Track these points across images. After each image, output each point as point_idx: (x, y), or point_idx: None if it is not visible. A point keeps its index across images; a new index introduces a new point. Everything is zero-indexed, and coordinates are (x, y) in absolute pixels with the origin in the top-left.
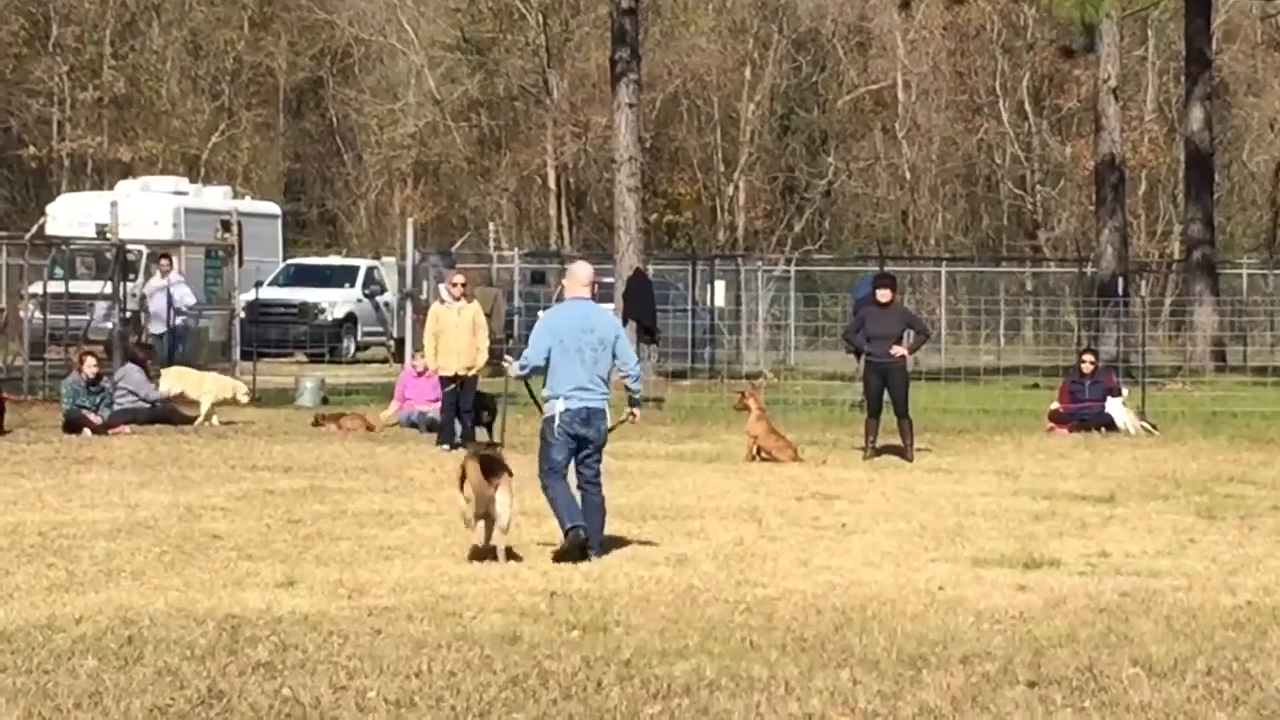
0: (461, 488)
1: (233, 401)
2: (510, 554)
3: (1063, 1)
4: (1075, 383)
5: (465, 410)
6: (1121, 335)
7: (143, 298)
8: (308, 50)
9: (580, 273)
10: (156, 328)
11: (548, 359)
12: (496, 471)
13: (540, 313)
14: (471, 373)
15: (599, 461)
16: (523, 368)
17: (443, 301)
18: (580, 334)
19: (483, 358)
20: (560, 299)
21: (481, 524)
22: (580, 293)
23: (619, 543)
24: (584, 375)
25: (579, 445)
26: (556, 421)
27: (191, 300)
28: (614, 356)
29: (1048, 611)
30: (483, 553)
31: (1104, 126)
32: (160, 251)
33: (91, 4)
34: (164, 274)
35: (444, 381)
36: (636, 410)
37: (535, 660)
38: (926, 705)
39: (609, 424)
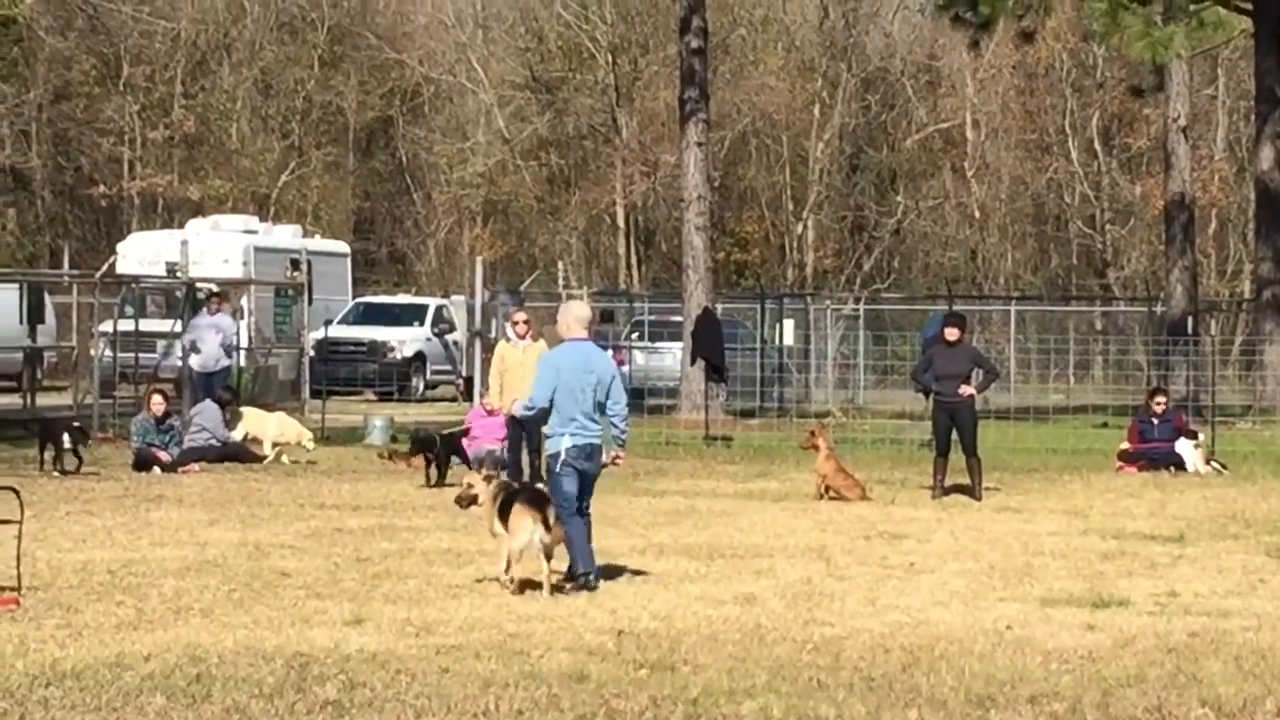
0: (504, 523)
1: (298, 446)
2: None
3: (1133, 41)
4: (1144, 422)
5: (533, 449)
6: (1191, 374)
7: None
8: (378, 89)
9: (581, 312)
10: (200, 363)
11: (552, 399)
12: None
13: (609, 352)
14: None
15: (591, 494)
16: (528, 408)
17: (508, 340)
18: (583, 374)
19: None
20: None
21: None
22: (580, 333)
23: (687, 581)
24: (585, 413)
25: (579, 480)
26: (563, 457)
27: (231, 338)
28: (607, 397)
29: (1116, 651)
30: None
31: (1174, 165)
32: (213, 291)
33: (162, 44)
34: (211, 312)
35: (510, 421)
36: (621, 452)
37: (603, 699)
38: None
39: (605, 461)
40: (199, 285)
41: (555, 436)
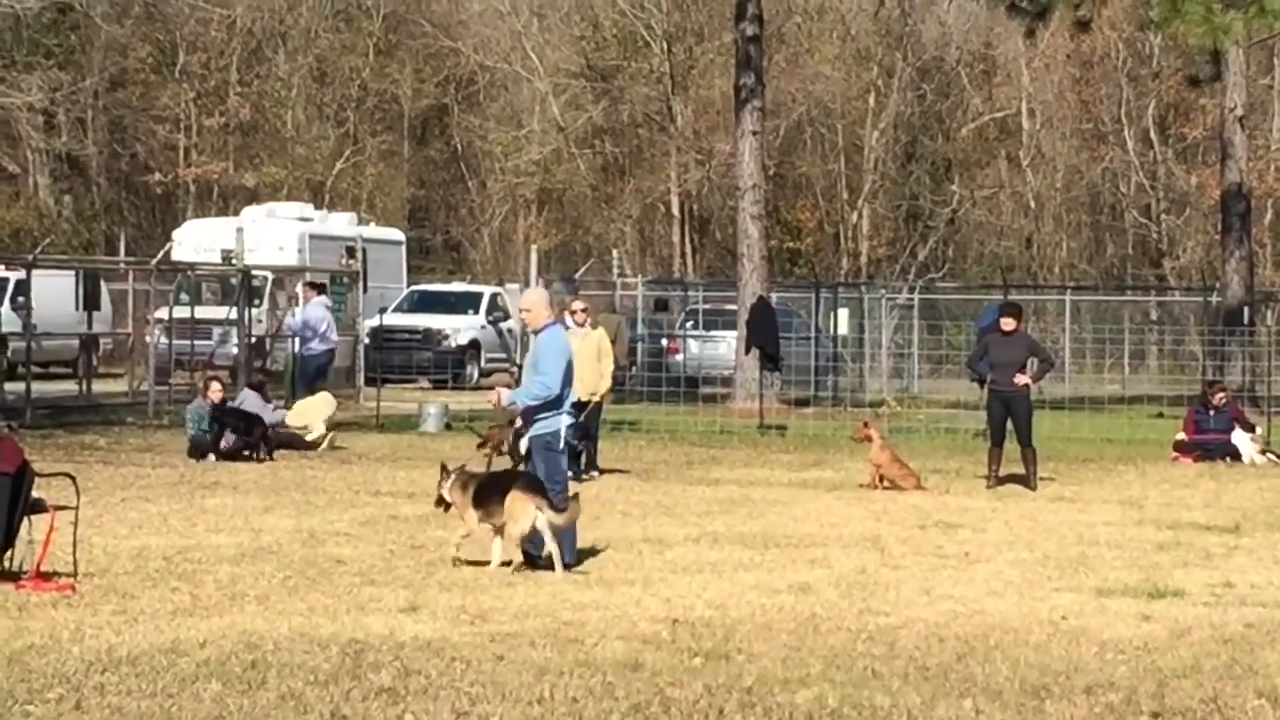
0: (482, 510)
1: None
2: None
3: (1192, 27)
4: (1200, 412)
5: (589, 436)
6: (1247, 364)
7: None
8: (433, 77)
9: (550, 297)
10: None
11: None
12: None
13: (663, 340)
14: (595, 399)
15: None
16: (542, 396)
17: (567, 328)
18: (570, 357)
19: (606, 384)
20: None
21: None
22: (554, 317)
23: (742, 570)
24: (570, 394)
25: None
26: (563, 435)
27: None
28: None
29: (1172, 642)
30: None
31: (1230, 155)
32: (310, 281)
33: (218, 31)
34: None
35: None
36: None
37: (657, 688)
38: None
39: None
40: (254, 272)
41: (553, 416)
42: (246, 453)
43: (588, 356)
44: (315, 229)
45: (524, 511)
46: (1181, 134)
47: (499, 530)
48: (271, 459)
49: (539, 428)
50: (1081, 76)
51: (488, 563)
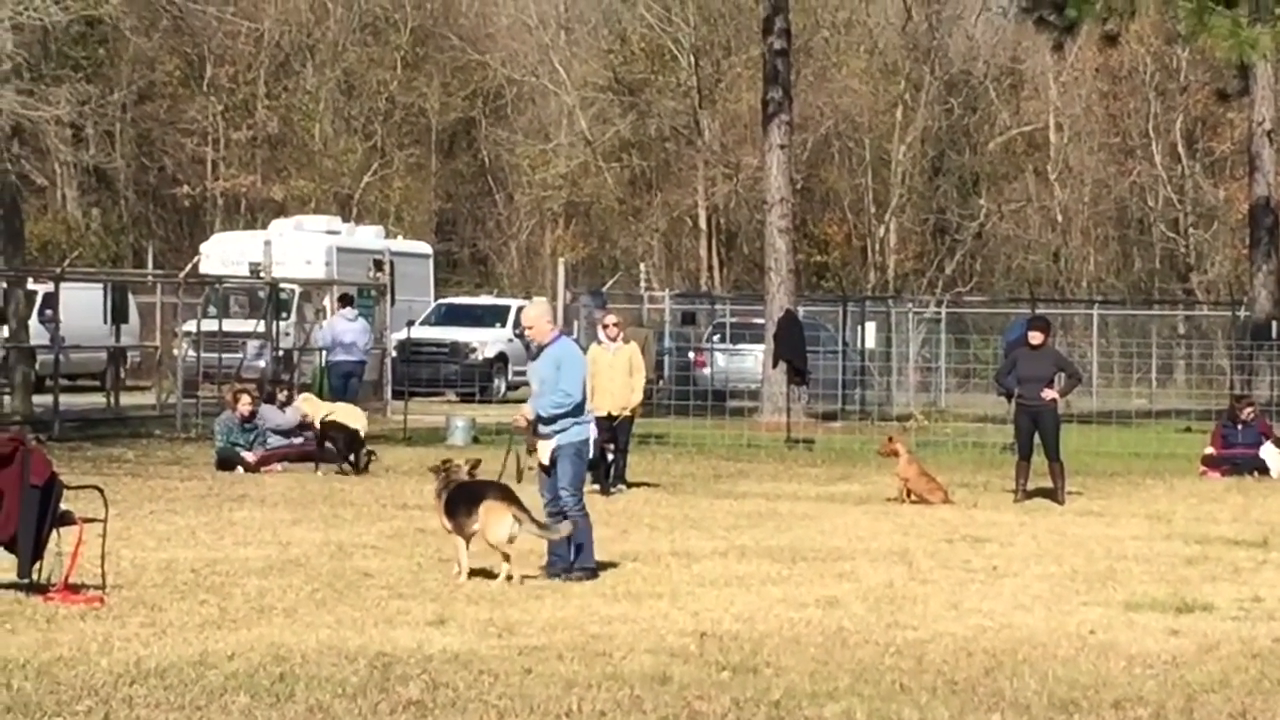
0: (450, 518)
1: None
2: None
3: (1219, 41)
4: (1228, 427)
5: (620, 450)
6: (1275, 379)
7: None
8: (460, 91)
9: (551, 311)
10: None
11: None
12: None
13: (690, 354)
14: (626, 413)
15: None
16: (565, 407)
17: (600, 343)
18: (587, 364)
19: (637, 398)
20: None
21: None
22: (559, 329)
23: (769, 583)
24: None
25: None
26: (590, 442)
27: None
28: None
29: (1200, 657)
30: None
31: (1258, 169)
32: (345, 294)
33: (246, 45)
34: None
35: (599, 422)
36: None
37: (685, 701)
38: None
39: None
40: (282, 285)
41: (584, 423)
42: (346, 466)
43: (619, 370)
44: (343, 242)
45: (500, 520)
46: (1209, 148)
47: (468, 538)
48: (367, 470)
49: (572, 434)
50: (1109, 90)
51: (495, 574)
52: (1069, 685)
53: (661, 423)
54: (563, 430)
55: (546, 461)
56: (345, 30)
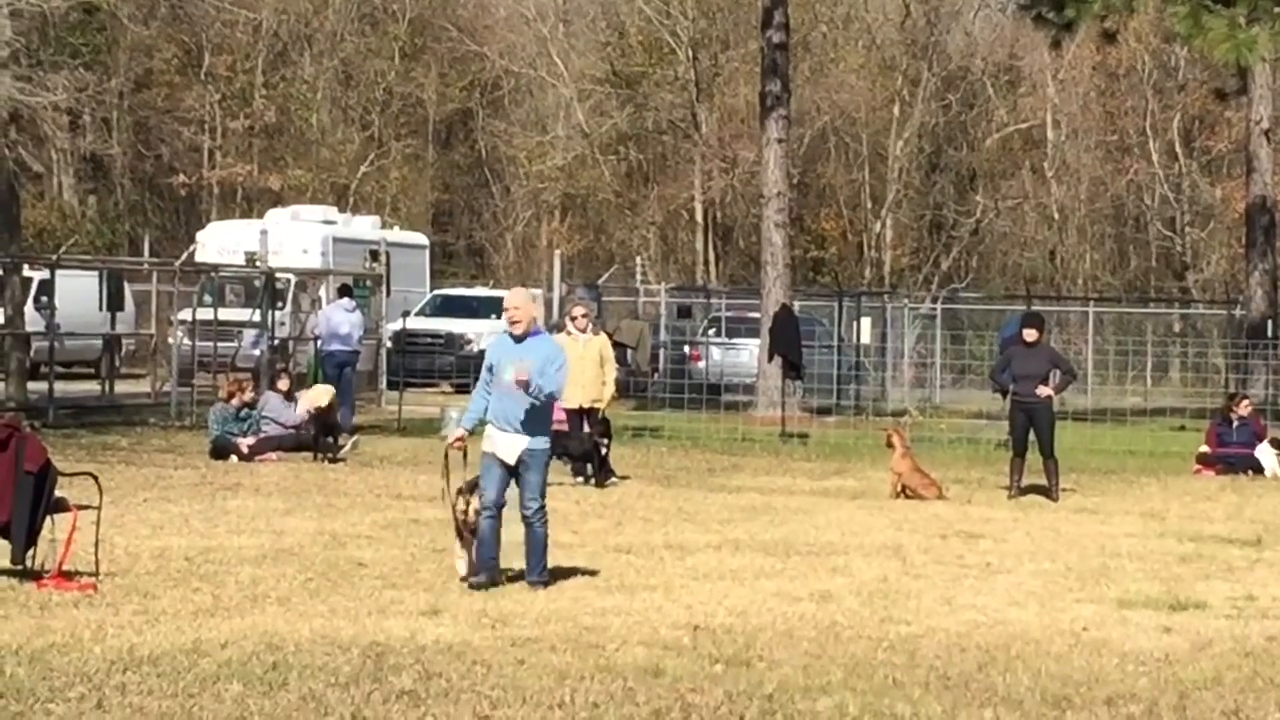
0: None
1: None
2: None
3: (1216, 43)
4: (1222, 425)
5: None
6: (1270, 378)
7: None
8: (458, 82)
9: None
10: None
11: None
12: None
13: (686, 348)
14: (598, 405)
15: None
16: (551, 396)
17: (569, 334)
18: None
19: (610, 390)
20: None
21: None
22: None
23: (763, 577)
24: None
25: None
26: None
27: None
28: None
29: (1193, 654)
30: None
31: (1255, 168)
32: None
33: (244, 33)
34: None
35: (568, 414)
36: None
37: (678, 693)
38: None
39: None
40: (277, 275)
41: (548, 432)
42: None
43: (590, 362)
44: (339, 232)
45: None
46: (1206, 147)
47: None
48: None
49: (545, 441)
50: (1107, 88)
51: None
52: (1062, 681)
53: (656, 416)
54: (538, 435)
55: (512, 461)
56: (343, 20)
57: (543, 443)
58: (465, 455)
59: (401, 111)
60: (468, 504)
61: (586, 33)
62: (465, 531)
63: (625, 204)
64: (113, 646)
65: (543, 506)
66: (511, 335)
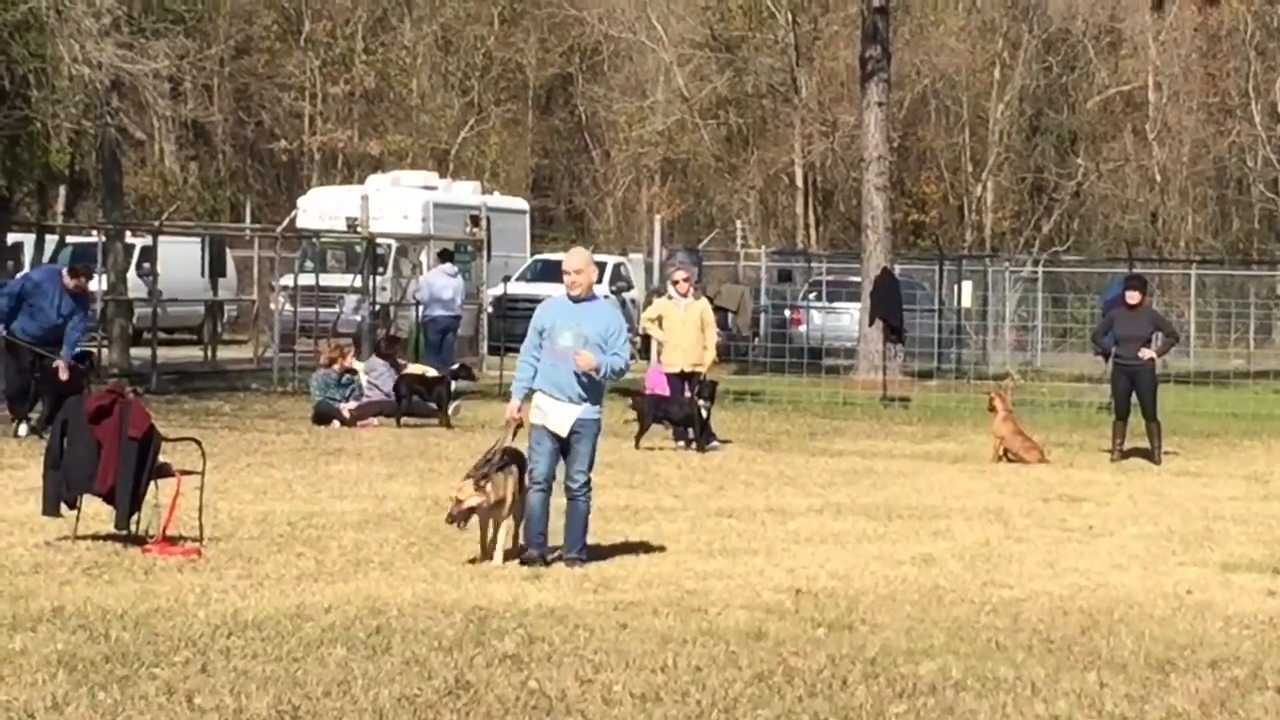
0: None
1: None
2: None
3: None
4: None
5: (711, 399)
6: None
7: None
8: (557, 47)
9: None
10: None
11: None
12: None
13: (786, 312)
14: (699, 370)
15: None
16: (622, 372)
17: (670, 298)
18: None
19: (711, 355)
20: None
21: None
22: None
23: (865, 541)
24: None
25: None
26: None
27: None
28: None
29: None
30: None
31: None
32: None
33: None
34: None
35: (669, 379)
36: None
37: (781, 657)
38: (1174, 709)
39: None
40: (378, 240)
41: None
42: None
43: (691, 326)
44: (439, 197)
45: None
46: None
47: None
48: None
49: (598, 410)
50: (1209, 50)
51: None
52: (1165, 645)
53: (757, 380)
54: (594, 403)
55: (564, 433)
56: None
57: (595, 412)
58: (516, 430)
59: (501, 76)
60: (478, 493)
61: None
62: (457, 521)
63: (725, 168)
64: (217, 611)
65: (589, 480)
66: (570, 296)
